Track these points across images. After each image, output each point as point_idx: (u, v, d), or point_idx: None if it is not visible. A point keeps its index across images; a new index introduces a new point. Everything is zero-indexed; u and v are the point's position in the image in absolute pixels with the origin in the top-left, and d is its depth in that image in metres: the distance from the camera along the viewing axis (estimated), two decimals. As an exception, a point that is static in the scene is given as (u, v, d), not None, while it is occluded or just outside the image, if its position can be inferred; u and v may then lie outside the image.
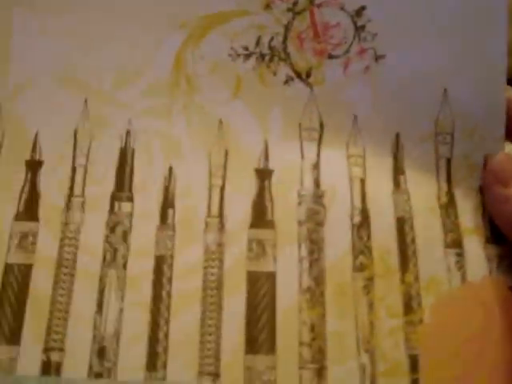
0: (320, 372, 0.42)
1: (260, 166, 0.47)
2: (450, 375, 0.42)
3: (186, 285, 0.44)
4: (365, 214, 0.46)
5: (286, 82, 0.49)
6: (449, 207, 0.47)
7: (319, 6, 0.50)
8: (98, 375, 0.43)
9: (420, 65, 0.49)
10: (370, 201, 0.46)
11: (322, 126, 0.48)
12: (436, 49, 0.49)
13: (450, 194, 0.48)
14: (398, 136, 0.48)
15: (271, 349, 0.43)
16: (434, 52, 0.49)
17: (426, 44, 0.50)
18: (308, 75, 0.49)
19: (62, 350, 0.43)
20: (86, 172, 0.47)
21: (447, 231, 0.46)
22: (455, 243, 0.46)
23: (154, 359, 0.43)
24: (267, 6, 0.50)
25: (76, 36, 0.50)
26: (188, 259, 0.45)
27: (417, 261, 0.45)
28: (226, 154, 0.48)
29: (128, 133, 0.48)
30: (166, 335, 0.43)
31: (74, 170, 0.47)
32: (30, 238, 0.46)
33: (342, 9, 0.50)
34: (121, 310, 0.44)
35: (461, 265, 0.45)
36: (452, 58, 0.49)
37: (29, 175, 0.47)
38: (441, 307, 0.43)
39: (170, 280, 0.45)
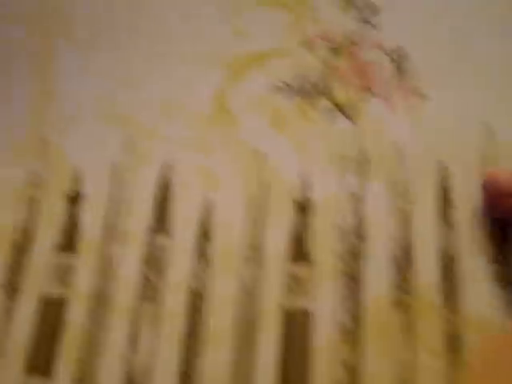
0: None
1: (300, 199, 0.46)
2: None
3: (219, 320, 0.43)
4: (406, 247, 0.44)
5: (328, 118, 0.48)
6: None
7: (360, 44, 0.50)
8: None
9: (460, 101, 0.47)
10: (412, 234, 0.44)
11: (365, 159, 0.47)
12: (476, 86, 0.48)
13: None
14: (442, 167, 0.46)
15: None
16: (474, 88, 0.48)
17: (465, 81, 0.49)
18: (350, 110, 0.48)
19: (93, 383, 0.42)
20: (125, 205, 0.47)
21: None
22: (504, 279, 0.42)
23: (185, 395, 0.42)
24: (308, 46, 0.50)
25: (118, 72, 0.51)
26: (223, 294, 0.44)
27: (462, 297, 0.42)
28: (265, 185, 0.47)
29: (167, 166, 0.48)
30: (198, 372, 0.42)
31: (113, 203, 0.47)
32: (68, 271, 0.46)
33: (382, 47, 0.50)
34: (153, 345, 0.43)
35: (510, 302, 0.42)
36: (492, 94, 0.48)
37: (69, 208, 0.47)
38: (488, 348, 0.40)
39: (203, 315, 0.43)
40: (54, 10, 0.53)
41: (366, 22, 0.50)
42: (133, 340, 0.43)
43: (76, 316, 0.44)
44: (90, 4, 0.53)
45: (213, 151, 0.48)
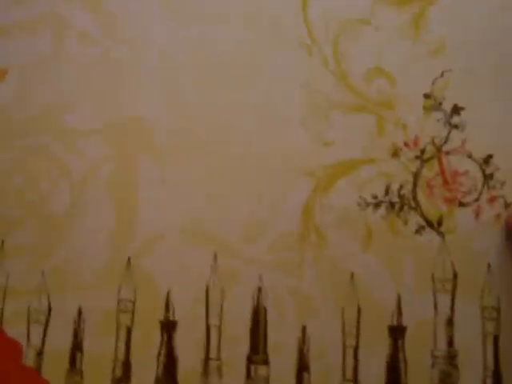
0: None
1: (393, 323, 0.47)
2: None
3: None
4: (497, 376, 0.46)
5: (417, 231, 0.49)
6: None
7: (447, 153, 0.49)
8: None
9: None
10: (503, 362, 0.46)
11: (455, 276, 0.48)
12: None
13: None
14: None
15: None
16: None
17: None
18: (439, 223, 0.49)
19: None
20: (220, 332, 0.47)
21: None
22: None
23: None
24: (395, 154, 0.50)
25: (203, 188, 0.49)
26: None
27: None
28: (359, 310, 0.47)
29: (259, 290, 0.48)
30: None
31: (208, 330, 0.47)
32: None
33: (470, 157, 0.49)
34: None
35: None
36: None
37: (165, 337, 0.47)
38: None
39: None
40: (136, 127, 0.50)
41: (452, 125, 0.49)
42: None
43: None
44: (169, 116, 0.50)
45: (304, 272, 0.47)
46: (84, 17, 0.53)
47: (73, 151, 0.50)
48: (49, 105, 0.52)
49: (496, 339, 0.47)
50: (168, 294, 0.48)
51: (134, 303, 0.48)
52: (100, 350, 0.47)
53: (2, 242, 0.49)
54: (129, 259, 0.49)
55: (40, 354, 0.47)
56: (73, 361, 0.47)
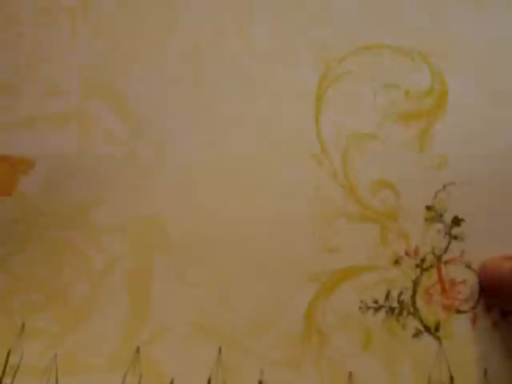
0: None
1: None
2: None
3: None
4: None
5: (416, 335, 0.51)
6: None
7: (446, 262, 0.52)
8: None
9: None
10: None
11: (452, 380, 0.49)
12: None
13: None
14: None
15: None
16: None
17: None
18: (437, 329, 0.51)
19: None
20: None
21: None
22: None
23: None
24: (396, 262, 0.52)
25: (213, 286, 0.52)
26: None
27: None
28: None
29: (260, 383, 0.49)
30: None
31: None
32: None
33: (469, 267, 0.52)
34: None
35: None
36: None
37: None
38: None
39: None
40: (155, 228, 0.54)
41: (452, 235, 0.52)
42: None
43: None
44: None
45: (304, 370, 0.49)
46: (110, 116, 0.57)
47: (95, 245, 0.54)
48: (74, 200, 0.55)
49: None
50: (171, 382, 0.50)
51: (139, 389, 0.50)
52: None
53: (23, 324, 0.52)
54: (138, 348, 0.51)
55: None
56: None
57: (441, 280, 0.51)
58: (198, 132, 0.56)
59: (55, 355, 0.51)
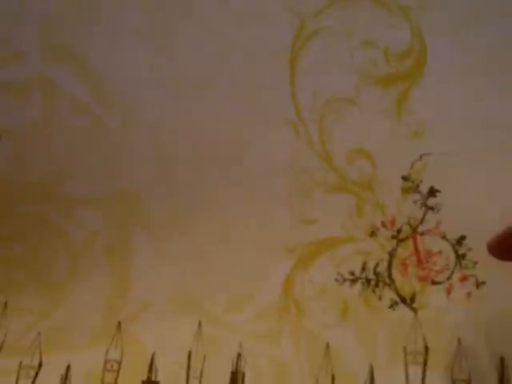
0: None
1: (364, 394, 0.50)
2: None
3: None
4: None
5: (391, 306, 0.51)
6: None
7: (422, 234, 0.52)
8: None
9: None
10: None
11: (426, 349, 0.50)
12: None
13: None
14: (502, 360, 0.50)
15: None
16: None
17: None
18: (412, 300, 0.51)
19: None
20: (198, 395, 0.50)
21: None
22: None
23: None
24: (372, 233, 0.52)
25: (192, 260, 0.53)
26: None
27: None
28: (333, 379, 0.50)
29: (239, 356, 0.51)
30: None
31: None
32: None
33: (444, 237, 0.52)
34: None
35: None
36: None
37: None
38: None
39: None
40: (132, 202, 0.54)
41: (428, 206, 0.52)
42: None
43: None
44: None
45: (282, 342, 0.50)
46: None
47: (72, 220, 0.54)
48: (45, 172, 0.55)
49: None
50: (153, 356, 0.51)
51: (119, 364, 0.51)
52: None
53: (6, 302, 0.53)
54: (119, 323, 0.52)
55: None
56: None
57: (417, 251, 0.52)
58: (169, 96, 0.55)
59: (38, 333, 0.52)
